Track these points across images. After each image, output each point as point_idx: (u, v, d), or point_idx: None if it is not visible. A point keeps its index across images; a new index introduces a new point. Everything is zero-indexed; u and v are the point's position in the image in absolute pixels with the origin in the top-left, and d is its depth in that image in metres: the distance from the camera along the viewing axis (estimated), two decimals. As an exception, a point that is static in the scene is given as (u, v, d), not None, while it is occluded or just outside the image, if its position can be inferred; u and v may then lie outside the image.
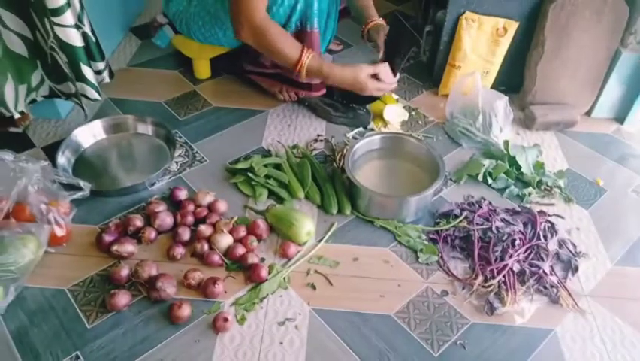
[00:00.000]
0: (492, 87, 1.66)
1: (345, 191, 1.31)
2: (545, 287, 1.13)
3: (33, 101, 1.39)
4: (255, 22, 1.28)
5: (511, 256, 1.16)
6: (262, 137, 1.50)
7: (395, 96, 1.66)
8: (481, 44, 1.58)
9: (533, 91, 1.62)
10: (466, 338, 1.04)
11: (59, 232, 1.15)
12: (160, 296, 1.05)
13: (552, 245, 1.21)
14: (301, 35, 1.36)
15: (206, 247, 1.16)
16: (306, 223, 1.19)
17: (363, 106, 1.57)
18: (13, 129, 1.47)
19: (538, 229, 1.23)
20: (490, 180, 1.39)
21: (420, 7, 2.08)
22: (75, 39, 1.26)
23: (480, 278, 1.13)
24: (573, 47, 1.54)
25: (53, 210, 1.17)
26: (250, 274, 1.12)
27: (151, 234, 1.18)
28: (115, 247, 1.13)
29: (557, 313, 1.10)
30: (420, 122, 1.60)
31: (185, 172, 1.38)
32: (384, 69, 1.38)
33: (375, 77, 1.37)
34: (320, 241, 1.21)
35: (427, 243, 1.22)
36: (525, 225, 1.25)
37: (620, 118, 1.65)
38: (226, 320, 1.02)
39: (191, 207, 1.25)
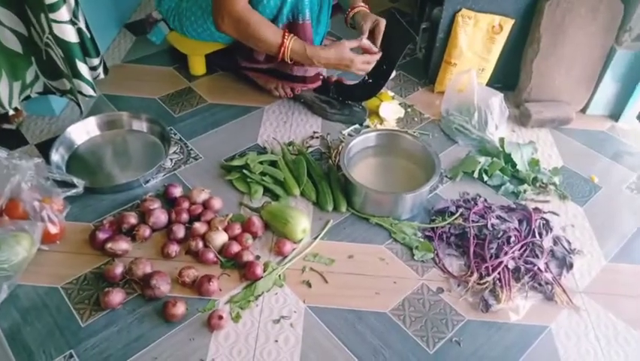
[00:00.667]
0: (488, 84, 1.66)
1: (340, 188, 1.30)
2: (540, 284, 1.13)
3: (27, 97, 1.38)
4: (235, 13, 1.27)
5: (506, 253, 1.16)
6: (258, 134, 1.49)
7: (391, 93, 1.66)
8: (476, 41, 1.58)
9: (529, 88, 1.62)
10: (462, 335, 1.04)
11: (53, 230, 1.15)
12: (154, 294, 1.05)
13: (547, 242, 1.21)
14: (293, 28, 1.35)
15: (200, 244, 1.15)
16: (302, 221, 1.18)
17: (359, 103, 1.57)
18: (6, 126, 1.46)
19: (533, 226, 1.23)
20: (485, 178, 1.39)
21: (416, 5, 2.08)
22: (70, 35, 1.25)
23: (475, 275, 1.13)
24: (568, 44, 1.54)
25: (47, 208, 1.16)
26: (245, 271, 1.11)
27: (145, 231, 1.18)
28: (109, 245, 1.12)
29: (552, 310, 1.10)
30: (416, 120, 1.60)
31: (179, 169, 1.37)
32: (365, 40, 1.37)
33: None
34: (315, 238, 1.21)
35: (422, 240, 1.22)
36: (520, 222, 1.25)
37: (615, 115, 1.65)
38: (221, 317, 1.02)
39: (185, 204, 1.24)
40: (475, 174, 1.38)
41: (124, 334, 1.00)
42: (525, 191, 1.36)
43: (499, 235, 1.20)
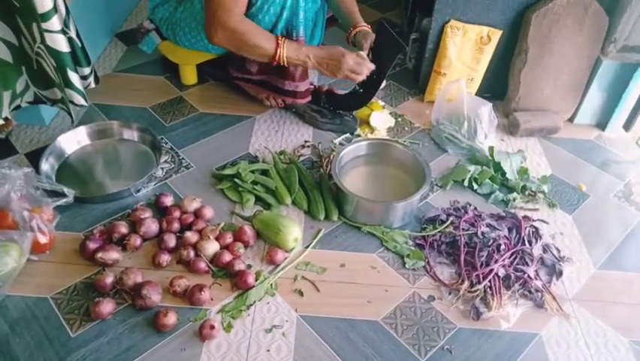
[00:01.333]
0: (477, 94, 1.68)
1: (332, 197, 1.31)
2: (530, 292, 1.14)
3: (17, 107, 1.37)
4: (230, 26, 1.27)
5: (496, 261, 1.17)
6: (249, 143, 1.50)
7: (381, 103, 1.67)
8: (465, 52, 1.60)
9: (517, 98, 1.64)
10: (453, 343, 1.04)
11: (42, 240, 1.14)
12: (145, 304, 1.04)
13: (537, 250, 1.22)
14: None
15: (192, 253, 1.15)
16: (293, 229, 1.18)
17: (350, 112, 1.58)
18: (-5, 135, 1.45)
19: (522, 234, 1.24)
20: (475, 186, 1.40)
21: (405, 15, 2.11)
22: (62, 44, 1.25)
23: (466, 283, 1.14)
24: (555, 54, 1.57)
25: (36, 218, 1.15)
26: (237, 281, 1.11)
27: (136, 241, 1.17)
28: (99, 255, 1.12)
29: (542, 318, 1.11)
30: (406, 129, 1.61)
31: (171, 178, 1.37)
32: (362, 54, 1.38)
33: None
34: (307, 247, 1.21)
35: (413, 248, 1.22)
36: (510, 230, 1.26)
37: (602, 124, 1.68)
38: (212, 327, 1.01)
39: (177, 213, 1.24)
40: (465, 183, 1.40)
41: (114, 344, 0.99)
42: (514, 199, 1.37)
43: (489, 243, 1.21)
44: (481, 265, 1.17)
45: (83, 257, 1.14)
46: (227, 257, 1.14)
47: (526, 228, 1.26)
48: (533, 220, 1.31)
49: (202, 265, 1.13)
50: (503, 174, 1.42)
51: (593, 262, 1.24)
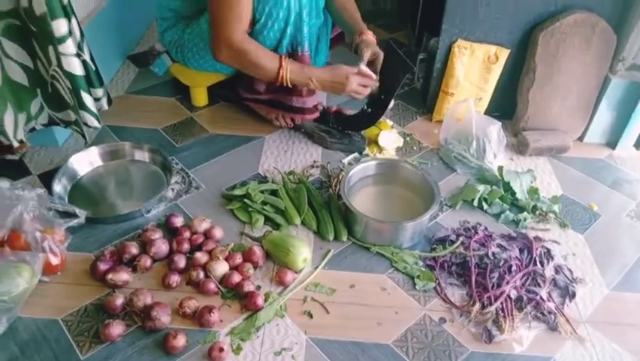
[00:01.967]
0: (485, 113, 1.68)
1: (341, 217, 1.31)
2: (543, 314, 1.12)
3: (32, 129, 1.40)
4: (233, 44, 1.30)
5: (508, 283, 1.16)
6: (259, 163, 1.51)
7: (390, 122, 1.68)
8: (473, 71, 1.61)
9: (526, 117, 1.64)
10: (465, 366, 1.03)
11: (54, 261, 1.14)
12: (155, 326, 1.04)
13: (549, 271, 1.21)
14: (292, 58, 1.38)
15: (201, 274, 1.15)
16: (303, 250, 1.18)
17: (359, 132, 1.59)
18: (9, 157, 1.46)
19: (534, 255, 1.23)
20: (485, 206, 1.39)
21: (413, 35, 2.13)
22: (76, 67, 1.28)
23: (477, 305, 1.13)
24: (563, 73, 1.57)
25: (48, 239, 1.16)
26: (246, 302, 1.11)
27: (146, 262, 1.18)
28: (110, 276, 1.12)
29: (556, 341, 1.09)
30: (415, 148, 1.62)
31: (181, 199, 1.38)
32: (363, 67, 1.39)
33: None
34: (316, 267, 1.21)
35: (423, 269, 1.22)
36: (521, 250, 1.25)
37: (612, 143, 1.67)
38: (222, 349, 1.01)
39: (187, 234, 1.24)
40: (475, 203, 1.39)
41: (123, 367, 0.99)
42: (525, 219, 1.36)
43: (500, 264, 1.20)
44: (493, 286, 1.16)
45: (93, 278, 1.15)
46: (236, 278, 1.14)
47: (537, 248, 1.25)
48: (545, 241, 1.30)
49: (211, 286, 1.13)
50: (513, 193, 1.41)
51: (606, 284, 1.22)
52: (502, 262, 1.20)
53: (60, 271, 1.16)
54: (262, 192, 1.36)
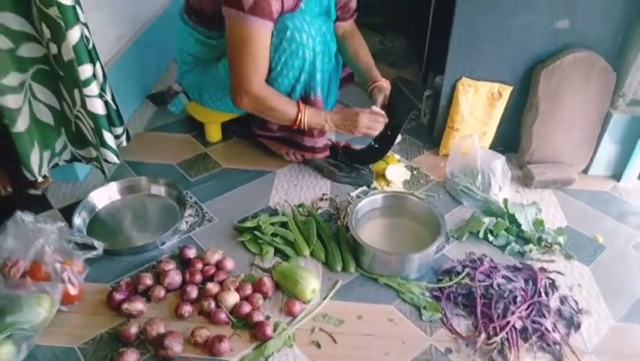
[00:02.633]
0: (490, 147, 1.73)
1: (349, 249, 1.35)
2: (548, 344, 1.14)
3: (55, 165, 1.47)
4: (253, 93, 1.38)
5: (513, 313, 1.17)
6: (269, 196, 1.56)
7: (397, 156, 1.73)
8: (477, 107, 1.67)
9: (530, 150, 1.68)
10: (471, 397, 1.04)
11: (72, 291, 1.20)
12: (167, 354, 1.08)
13: (554, 302, 1.22)
14: (305, 102, 1.45)
15: (213, 304, 1.19)
16: (312, 281, 1.22)
17: (366, 166, 1.64)
18: (32, 192, 1.54)
19: (539, 286, 1.25)
20: (491, 238, 1.42)
21: (420, 73, 2.20)
22: (99, 108, 1.36)
23: (483, 335, 1.14)
24: (566, 109, 1.62)
25: (67, 270, 1.21)
26: (255, 332, 1.14)
27: (160, 292, 1.22)
28: (125, 305, 1.17)
29: (562, 372, 1.10)
30: (421, 182, 1.66)
31: (194, 231, 1.43)
32: (375, 108, 1.47)
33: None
34: (325, 298, 1.24)
35: (430, 300, 1.24)
36: (526, 281, 1.27)
37: (617, 175, 1.70)
38: (232, 378, 1.03)
39: (199, 265, 1.29)
40: (481, 234, 1.42)
41: (136, 395, 1.02)
42: (530, 251, 1.38)
43: (505, 295, 1.22)
44: (498, 316, 1.17)
45: (109, 308, 1.19)
46: (246, 308, 1.18)
47: (542, 279, 1.27)
48: (549, 272, 1.31)
49: (222, 316, 1.17)
50: (519, 225, 1.44)
51: (612, 315, 1.23)
52: (508, 292, 1.22)
53: (78, 301, 1.21)
54: (272, 224, 1.40)
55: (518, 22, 1.53)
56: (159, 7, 2.20)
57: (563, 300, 1.25)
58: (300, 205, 1.52)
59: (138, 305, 1.18)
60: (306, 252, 1.35)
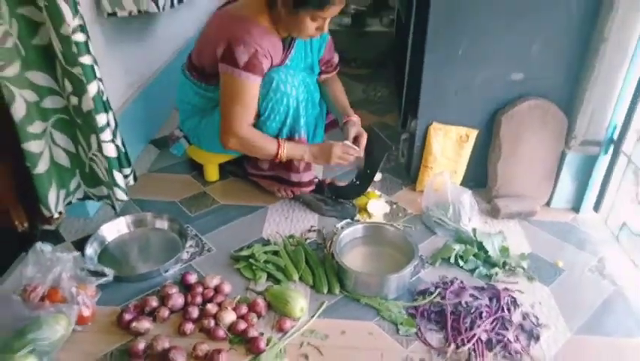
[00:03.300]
0: (462, 183, 1.92)
1: (334, 273, 1.50)
2: (511, 353, 1.28)
3: (69, 203, 1.64)
4: (240, 135, 1.58)
5: (479, 326, 1.32)
6: (263, 229, 1.73)
7: (378, 192, 1.92)
8: (448, 148, 1.87)
9: (497, 186, 1.88)
10: (441, 399, 1.17)
11: (86, 312, 1.33)
12: (172, 366, 1.21)
13: (516, 317, 1.38)
14: (291, 142, 1.65)
15: (212, 323, 1.33)
16: (300, 300, 1.37)
17: (350, 201, 1.82)
18: (47, 227, 1.70)
19: (502, 303, 1.41)
20: (461, 263, 1.59)
21: (399, 119, 2.43)
22: (111, 151, 1.54)
23: (453, 346, 1.29)
24: (526, 149, 1.83)
25: (82, 294, 1.36)
26: (250, 346, 1.28)
27: (165, 313, 1.36)
28: (133, 324, 1.31)
29: (522, 377, 1.24)
30: (400, 215, 1.84)
31: (195, 260, 1.58)
32: (347, 142, 1.66)
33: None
34: (312, 316, 1.38)
35: (406, 317, 1.39)
36: (491, 299, 1.43)
37: (576, 208, 1.89)
38: (229, 384, 1.16)
39: (200, 289, 1.44)
40: (452, 260, 1.59)
41: (144, 401, 1.15)
42: (497, 273, 1.55)
43: (472, 311, 1.37)
44: (466, 330, 1.32)
45: (119, 327, 1.33)
46: (242, 325, 1.32)
47: (505, 297, 1.43)
48: (512, 291, 1.47)
49: (221, 332, 1.31)
50: (486, 252, 1.61)
51: (569, 328, 1.38)
52: (474, 309, 1.38)
53: (91, 322, 1.35)
54: (265, 253, 1.57)
55: (479, 76, 1.76)
56: (162, 62, 2.43)
57: (524, 316, 1.40)
58: (291, 236, 1.68)
59: (145, 324, 1.32)
60: (296, 277, 1.50)
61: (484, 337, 1.31)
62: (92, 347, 1.28)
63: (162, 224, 1.71)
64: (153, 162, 2.12)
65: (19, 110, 1.39)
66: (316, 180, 1.83)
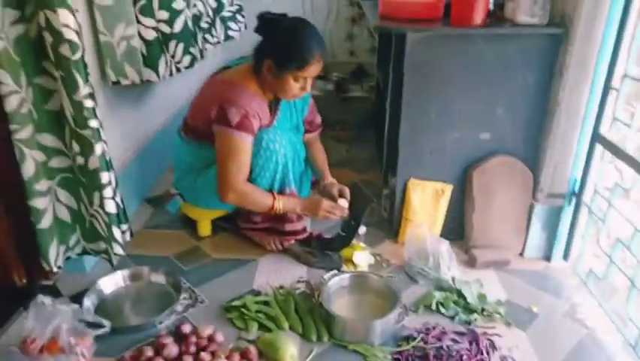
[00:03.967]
0: (441, 234, 2.04)
1: (322, 321, 1.58)
2: (490, 393, 1.36)
3: (68, 258, 1.71)
4: (237, 189, 1.71)
5: (460, 368, 1.41)
6: (253, 280, 1.81)
7: (362, 245, 2.03)
8: (426, 202, 2.01)
9: (473, 237, 2.01)
10: None
11: (84, 363, 1.38)
12: (168, 412, 1.26)
13: (494, 359, 1.47)
14: (281, 194, 1.79)
15: (206, 371, 1.39)
16: (290, 348, 1.44)
17: (336, 252, 1.92)
18: (45, 282, 1.76)
19: (481, 346, 1.49)
20: (442, 309, 1.68)
21: (381, 176, 2.58)
22: (111, 208, 1.64)
23: (436, 388, 1.36)
24: (498, 201, 1.97)
25: (80, 345, 1.41)
26: (243, 392, 1.34)
27: (160, 362, 1.42)
28: (130, 374, 1.36)
29: (502, 416, 1.31)
30: (384, 265, 1.94)
31: (189, 311, 1.65)
32: (341, 201, 1.81)
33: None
34: (302, 363, 1.45)
35: (391, 361, 1.46)
36: (470, 343, 1.51)
37: (547, 256, 2.01)
38: None
39: (193, 338, 1.50)
40: (433, 307, 1.68)
41: None
42: (475, 319, 1.64)
43: (453, 354, 1.46)
44: (447, 372, 1.40)
45: (115, 378, 1.38)
46: (235, 373, 1.38)
47: (483, 341, 1.52)
48: (490, 335, 1.57)
49: (214, 379, 1.36)
50: (465, 299, 1.71)
51: (544, 369, 1.47)
52: (455, 352, 1.46)
53: (87, 373, 1.40)
54: (256, 303, 1.64)
55: (450, 136, 1.93)
56: (157, 126, 2.59)
57: (502, 358, 1.49)
58: (281, 287, 1.77)
59: (141, 373, 1.37)
60: (286, 325, 1.57)
61: (464, 378, 1.39)
62: (89, 396, 1.33)
63: (157, 278, 1.78)
64: (147, 219, 2.21)
65: (28, 169, 1.50)
66: (306, 231, 1.94)
